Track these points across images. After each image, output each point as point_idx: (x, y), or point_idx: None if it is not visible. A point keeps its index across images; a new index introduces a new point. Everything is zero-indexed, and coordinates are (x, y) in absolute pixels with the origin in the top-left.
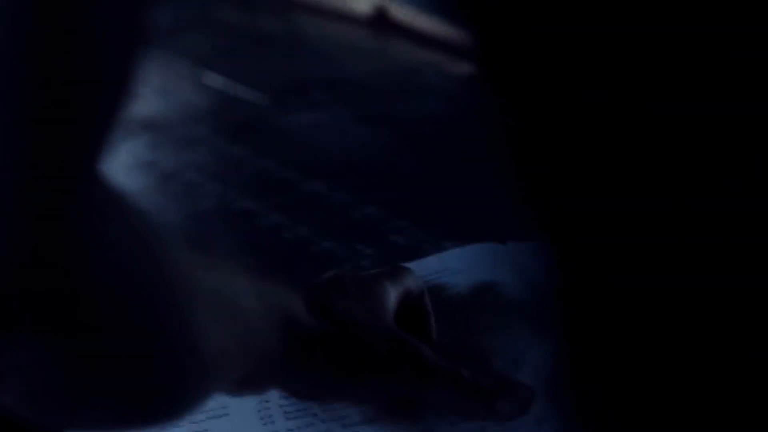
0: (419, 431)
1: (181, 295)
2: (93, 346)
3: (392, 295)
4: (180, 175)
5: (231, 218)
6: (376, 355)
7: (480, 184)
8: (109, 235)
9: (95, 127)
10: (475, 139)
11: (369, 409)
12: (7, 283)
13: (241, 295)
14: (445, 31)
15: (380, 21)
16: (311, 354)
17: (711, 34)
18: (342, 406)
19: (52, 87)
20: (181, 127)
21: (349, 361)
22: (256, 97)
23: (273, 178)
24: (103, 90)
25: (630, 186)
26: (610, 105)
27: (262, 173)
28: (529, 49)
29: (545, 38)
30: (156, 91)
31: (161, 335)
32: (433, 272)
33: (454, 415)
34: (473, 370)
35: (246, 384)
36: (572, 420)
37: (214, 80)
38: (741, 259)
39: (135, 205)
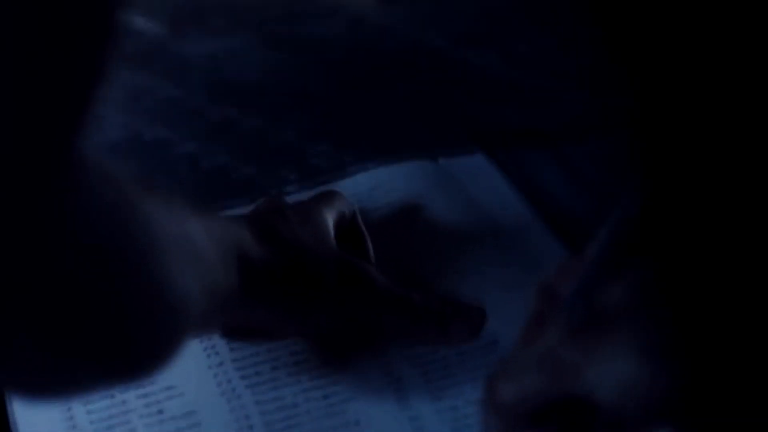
0: (370, 358)
1: (148, 244)
2: (73, 311)
3: (329, 219)
4: None
5: (144, 149)
6: (326, 280)
7: (397, 103)
8: (89, 203)
9: (77, 102)
10: (383, 59)
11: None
12: None
13: (195, 233)
14: None
15: None
16: (264, 286)
17: None
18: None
19: (30, 63)
20: None
21: (300, 289)
22: (153, 26)
23: (182, 107)
24: (83, 65)
25: None
26: None
27: (170, 102)
28: None
29: None
30: None
31: (135, 290)
32: (363, 191)
33: (406, 341)
34: (423, 294)
35: (202, 326)
36: None
37: None
38: None
39: (107, 166)
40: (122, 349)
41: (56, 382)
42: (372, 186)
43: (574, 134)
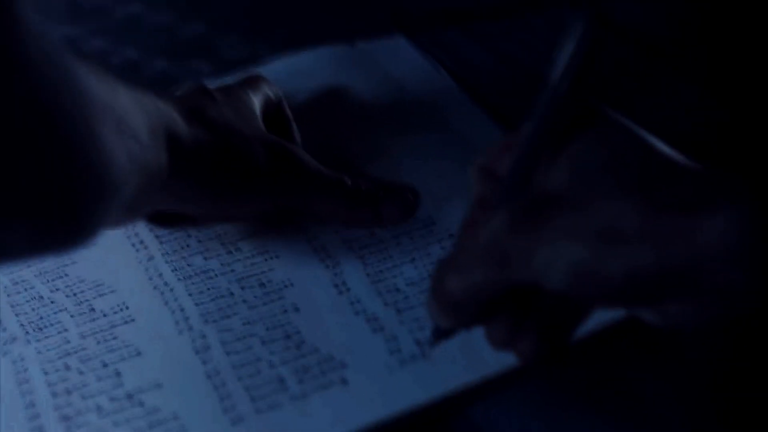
0: (303, 243)
1: (78, 106)
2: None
3: (255, 102)
4: None
5: None
6: (255, 161)
7: None
8: (26, 54)
9: None
10: None
11: (249, 226)
12: None
13: (125, 104)
14: None
15: None
16: (193, 167)
17: None
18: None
19: None
20: None
21: (230, 171)
22: None
23: (87, 6)
24: None
25: None
26: None
27: (74, 1)
28: None
29: None
30: None
31: (68, 148)
32: (281, 78)
33: (340, 224)
34: (353, 177)
35: (131, 208)
36: None
37: None
38: None
39: (40, 25)
40: (49, 208)
41: None
42: (290, 72)
43: (490, 13)
